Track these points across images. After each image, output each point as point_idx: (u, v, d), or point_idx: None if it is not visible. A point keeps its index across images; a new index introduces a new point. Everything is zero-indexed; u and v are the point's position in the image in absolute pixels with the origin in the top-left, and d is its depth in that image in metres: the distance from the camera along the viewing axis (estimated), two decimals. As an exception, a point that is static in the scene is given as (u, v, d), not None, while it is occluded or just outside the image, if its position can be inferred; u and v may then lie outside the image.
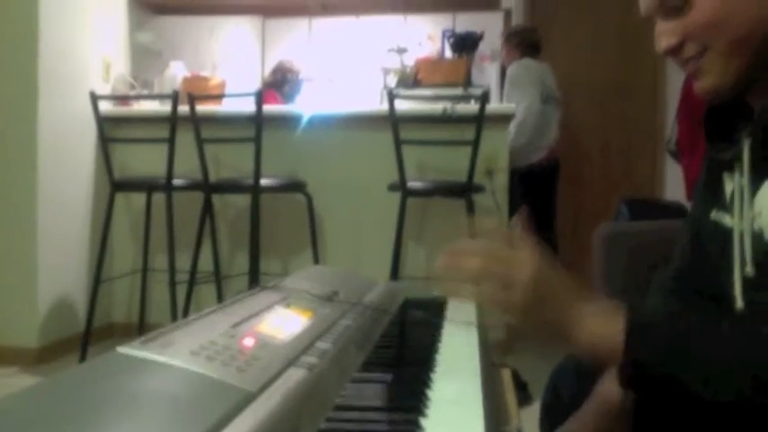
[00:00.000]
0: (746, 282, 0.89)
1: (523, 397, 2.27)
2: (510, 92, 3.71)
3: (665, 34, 0.90)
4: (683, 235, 1.08)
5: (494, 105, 3.39)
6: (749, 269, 0.87)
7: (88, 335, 3.17)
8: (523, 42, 3.87)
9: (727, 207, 0.93)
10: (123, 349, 0.62)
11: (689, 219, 1.08)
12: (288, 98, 3.99)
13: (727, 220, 0.92)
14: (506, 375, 1.06)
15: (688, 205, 2.85)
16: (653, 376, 0.76)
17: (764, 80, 0.87)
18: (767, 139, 0.85)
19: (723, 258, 0.93)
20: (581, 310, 0.80)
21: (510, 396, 0.98)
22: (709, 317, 0.77)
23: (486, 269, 0.81)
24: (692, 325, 0.77)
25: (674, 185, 4.70)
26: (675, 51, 0.90)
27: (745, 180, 0.87)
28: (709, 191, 0.99)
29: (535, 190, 3.71)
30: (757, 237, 0.86)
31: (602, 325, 0.79)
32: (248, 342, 0.71)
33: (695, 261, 1.04)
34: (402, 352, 0.92)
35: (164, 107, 3.33)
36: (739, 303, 0.90)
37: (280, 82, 3.89)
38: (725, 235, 0.92)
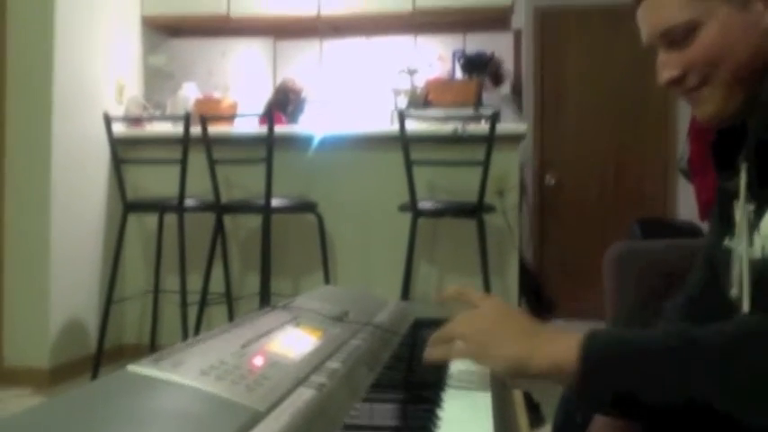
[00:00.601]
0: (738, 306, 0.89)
1: (536, 418, 2.25)
2: None
3: (668, 66, 0.92)
4: (698, 262, 1.08)
5: (504, 126, 3.40)
6: (746, 305, 0.87)
7: (100, 356, 3.17)
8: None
9: (735, 234, 0.93)
10: (134, 368, 0.62)
11: (704, 247, 1.08)
12: (291, 118, 3.99)
13: (734, 245, 0.93)
14: (518, 396, 1.05)
15: (701, 225, 2.84)
16: (607, 391, 0.76)
17: (758, 103, 0.88)
18: (760, 164, 0.86)
19: (729, 284, 0.92)
20: (538, 339, 0.81)
21: (521, 417, 0.97)
22: (671, 335, 0.75)
23: (447, 333, 0.88)
24: (646, 339, 0.76)
25: (686, 205, 4.68)
26: (677, 82, 0.92)
27: (742, 204, 0.88)
28: (721, 219, 0.99)
29: None
30: (757, 263, 0.85)
31: (560, 346, 0.79)
32: (258, 361, 0.71)
33: (708, 289, 1.04)
34: (412, 372, 0.91)
35: (176, 128, 3.36)
36: None
37: (283, 102, 3.89)
38: (733, 260, 0.92)
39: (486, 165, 2.84)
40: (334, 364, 0.79)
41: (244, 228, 3.62)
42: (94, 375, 3.16)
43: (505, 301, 0.89)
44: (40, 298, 3.18)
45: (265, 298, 3.04)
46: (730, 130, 0.95)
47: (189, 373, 0.62)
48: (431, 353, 0.88)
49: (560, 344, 0.79)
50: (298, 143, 3.47)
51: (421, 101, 3.85)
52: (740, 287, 0.89)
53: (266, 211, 3.04)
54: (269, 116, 3.04)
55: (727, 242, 0.97)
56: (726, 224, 0.97)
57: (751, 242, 0.88)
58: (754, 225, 0.87)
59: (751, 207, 0.88)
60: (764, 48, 0.87)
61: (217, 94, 4.07)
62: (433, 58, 4.24)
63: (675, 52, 0.91)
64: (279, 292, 3.19)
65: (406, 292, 2.96)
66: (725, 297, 0.94)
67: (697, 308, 1.06)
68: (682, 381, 0.71)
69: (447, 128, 3.21)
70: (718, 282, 0.99)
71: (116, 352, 3.56)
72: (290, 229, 3.51)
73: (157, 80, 4.22)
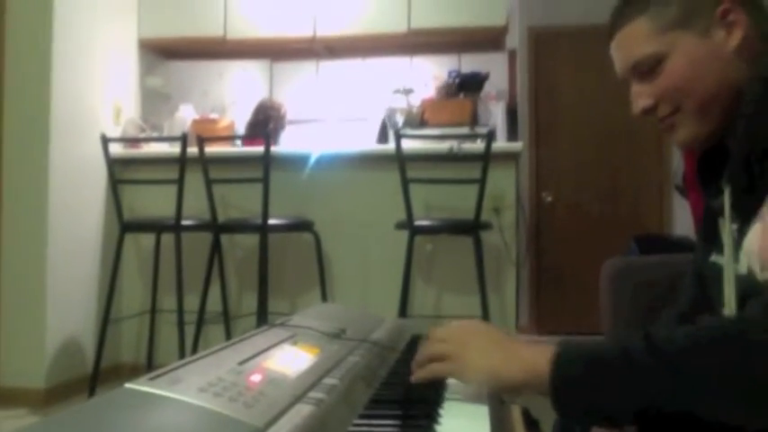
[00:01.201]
0: None
1: (534, 436, 2.24)
2: None
3: (640, 97, 0.97)
4: (688, 279, 1.10)
5: (500, 144, 3.42)
6: (728, 311, 0.88)
7: (96, 375, 3.16)
8: None
9: (722, 250, 0.95)
10: (131, 385, 0.62)
11: (692, 262, 1.10)
12: (273, 136, 3.99)
13: (722, 261, 0.94)
14: (516, 412, 1.05)
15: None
16: (577, 403, 0.77)
17: (738, 123, 0.90)
18: (746, 187, 0.87)
19: (716, 298, 0.94)
20: (512, 351, 0.84)
21: (519, 433, 0.97)
22: (643, 340, 0.76)
23: (427, 353, 0.91)
24: (610, 349, 0.78)
25: (682, 221, 4.70)
26: (650, 111, 0.97)
27: (728, 224, 0.90)
28: (707, 236, 1.02)
29: None
30: (744, 279, 0.87)
31: (532, 357, 0.81)
32: (255, 378, 0.71)
33: (697, 304, 1.05)
34: (410, 388, 0.91)
35: (173, 149, 3.37)
36: None
37: (263, 122, 3.89)
38: (721, 275, 0.93)
39: (482, 182, 2.86)
40: (331, 381, 0.80)
41: (241, 247, 3.62)
42: (91, 395, 3.15)
43: (479, 320, 0.92)
44: (36, 318, 3.17)
45: (263, 317, 3.03)
46: (715, 150, 0.97)
47: (187, 390, 0.62)
48: (416, 375, 0.90)
49: (532, 354, 0.81)
50: (294, 163, 3.48)
51: (417, 120, 3.87)
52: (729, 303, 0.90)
53: (263, 230, 3.05)
54: (266, 136, 3.06)
55: (714, 258, 0.98)
56: (712, 240, 0.99)
57: (736, 258, 0.89)
58: (738, 243, 0.89)
59: (735, 226, 0.90)
60: (730, 73, 0.90)
61: (214, 115, 4.09)
62: (429, 77, 4.27)
63: (646, 84, 0.95)
64: (276, 311, 3.18)
65: (403, 310, 2.96)
66: (715, 312, 0.95)
67: (687, 322, 1.06)
68: (641, 389, 0.73)
69: (443, 146, 3.23)
70: (707, 297, 1.01)
71: (113, 372, 3.54)
72: (287, 248, 3.52)
73: (154, 102, 4.24)
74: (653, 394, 0.73)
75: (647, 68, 0.94)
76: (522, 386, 0.82)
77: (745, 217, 0.88)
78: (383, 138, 3.91)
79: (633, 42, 0.95)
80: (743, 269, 0.88)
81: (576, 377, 0.78)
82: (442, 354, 0.88)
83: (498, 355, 0.84)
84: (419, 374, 0.90)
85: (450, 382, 0.94)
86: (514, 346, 0.85)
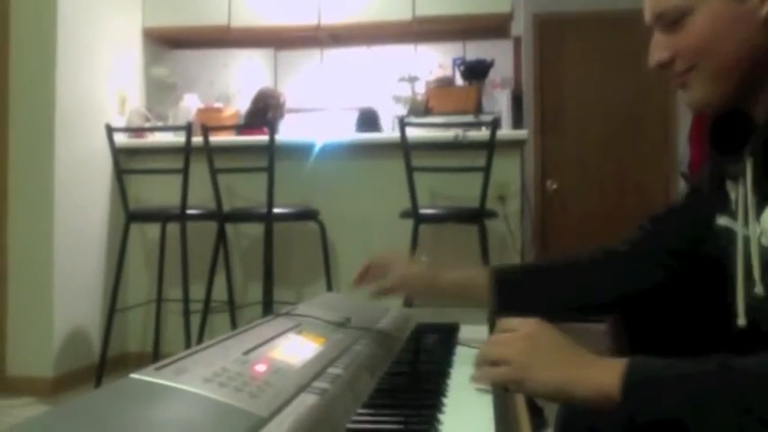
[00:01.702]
0: (752, 299, 0.89)
1: (538, 422, 2.24)
2: None
3: (659, 48, 0.94)
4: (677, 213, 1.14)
5: (505, 132, 3.41)
6: (758, 289, 0.87)
7: (103, 365, 3.18)
8: None
9: (733, 215, 0.94)
10: (137, 375, 0.62)
11: (691, 216, 1.10)
12: (272, 124, 3.99)
13: (736, 227, 0.93)
14: (520, 400, 1.05)
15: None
16: (652, 416, 0.75)
17: (760, 96, 0.88)
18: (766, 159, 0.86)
19: (730, 266, 0.93)
20: (583, 365, 0.81)
21: (524, 421, 0.97)
22: (711, 362, 0.75)
23: (489, 354, 0.87)
24: (687, 365, 0.76)
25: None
26: (666, 66, 0.93)
27: (750, 196, 0.88)
28: (713, 197, 1.01)
29: None
30: (766, 252, 0.86)
31: (605, 372, 0.78)
32: (260, 368, 0.71)
33: (697, 269, 1.07)
34: (414, 377, 0.92)
35: (178, 138, 3.37)
36: (742, 320, 0.91)
37: (263, 110, 3.89)
38: (734, 241, 0.93)
39: (487, 171, 2.85)
40: (336, 370, 0.80)
41: (246, 236, 3.63)
42: (98, 384, 3.17)
43: (543, 323, 0.87)
44: (43, 307, 3.19)
45: (268, 306, 3.04)
46: (731, 115, 0.96)
47: (192, 380, 0.62)
48: (476, 378, 0.88)
49: (604, 369, 0.79)
50: (299, 152, 3.48)
51: (422, 108, 3.86)
52: (748, 270, 0.89)
53: (268, 219, 3.05)
54: (270, 125, 3.06)
55: (723, 221, 0.98)
56: (718, 202, 0.99)
57: (755, 230, 0.89)
58: (757, 215, 0.88)
59: (755, 199, 0.88)
60: (756, 42, 0.87)
61: (218, 105, 4.08)
62: (434, 65, 4.26)
63: (668, 35, 0.92)
64: (282, 300, 3.19)
65: (408, 299, 2.96)
66: (718, 277, 0.95)
67: (672, 217, 1.14)
68: (724, 405, 0.72)
69: (448, 134, 3.22)
70: (708, 260, 1.03)
71: (119, 361, 3.56)
72: (293, 238, 3.52)
73: (159, 92, 4.24)
74: (737, 409, 0.71)
75: (670, 20, 0.91)
76: (591, 402, 0.79)
77: (765, 191, 0.86)
78: (365, 126, 3.88)
79: None
80: (763, 241, 0.87)
81: (653, 390, 0.75)
82: (504, 359, 0.85)
83: (566, 371, 0.81)
84: (478, 378, 0.87)
85: (456, 371, 0.95)
86: (581, 360, 0.82)
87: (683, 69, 0.92)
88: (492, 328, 1.13)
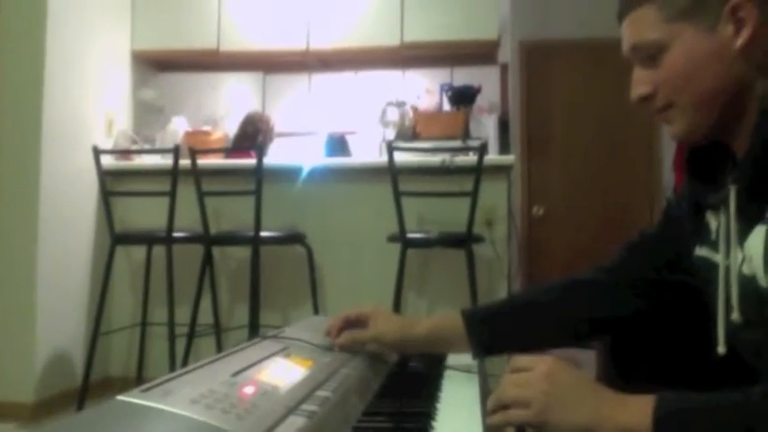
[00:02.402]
0: (731, 327, 0.90)
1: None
2: None
3: (639, 83, 0.95)
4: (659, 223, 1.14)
5: (492, 157, 3.43)
6: (735, 315, 0.88)
7: (86, 389, 3.13)
8: None
9: (713, 245, 0.95)
10: (123, 397, 0.62)
11: (666, 244, 1.11)
12: (262, 148, 3.99)
13: (716, 258, 0.94)
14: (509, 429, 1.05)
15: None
16: None
17: (740, 127, 0.90)
18: (753, 188, 0.86)
19: (710, 294, 0.94)
20: (606, 405, 0.79)
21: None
22: (735, 393, 0.75)
23: (506, 397, 0.84)
24: (721, 404, 0.76)
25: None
26: (647, 99, 0.95)
27: (732, 223, 0.89)
28: (692, 226, 1.01)
29: None
30: (747, 281, 0.87)
31: (630, 412, 0.77)
32: (248, 390, 0.71)
33: (672, 296, 1.08)
34: (403, 400, 0.91)
35: (165, 161, 3.36)
36: (721, 348, 0.91)
37: (252, 135, 3.89)
38: (714, 272, 0.93)
39: (474, 195, 2.87)
40: (324, 393, 0.79)
41: (232, 259, 3.61)
42: (80, 408, 3.11)
43: (559, 361, 0.85)
44: (25, 330, 3.15)
45: (254, 329, 3.02)
46: (708, 146, 0.97)
47: (179, 401, 0.62)
48: (492, 419, 0.84)
49: (630, 409, 0.77)
50: (287, 175, 3.48)
51: (409, 133, 3.88)
52: (727, 297, 0.90)
53: (255, 242, 3.04)
54: (259, 149, 3.06)
55: (701, 252, 0.99)
56: (697, 232, 1.00)
57: (728, 256, 0.89)
58: (738, 243, 0.89)
59: (738, 226, 0.89)
60: (733, 72, 0.87)
61: (206, 128, 4.08)
62: (421, 90, 4.29)
63: (647, 70, 0.93)
64: (268, 324, 3.17)
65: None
66: (710, 307, 0.95)
67: (647, 244, 1.14)
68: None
69: (435, 159, 3.24)
70: (673, 237, 1.06)
71: (102, 385, 3.51)
72: (279, 261, 3.51)
73: (147, 114, 4.24)
74: None
75: (647, 55, 0.92)
76: None
77: (748, 218, 0.87)
78: (333, 151, 3.87)
79: (639, 27, 0.92)
80: (745, 270, 0.87)
81: (685, 426, 0.74)
82: (523, 400, 0.82)
83: (591, 411, 0.78)
84: (494, 420, 0.84)
85: (444, 394, 0.94)
86: (605, 401, 0.80)
87: (662, 105, 0.93)
88: (480, 368, 1.13)
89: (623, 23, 0.96)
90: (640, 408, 0.76)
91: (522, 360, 0.86)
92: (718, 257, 0.92)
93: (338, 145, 3.91)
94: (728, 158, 0.95)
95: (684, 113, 0.91)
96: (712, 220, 0.95)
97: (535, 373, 0.83)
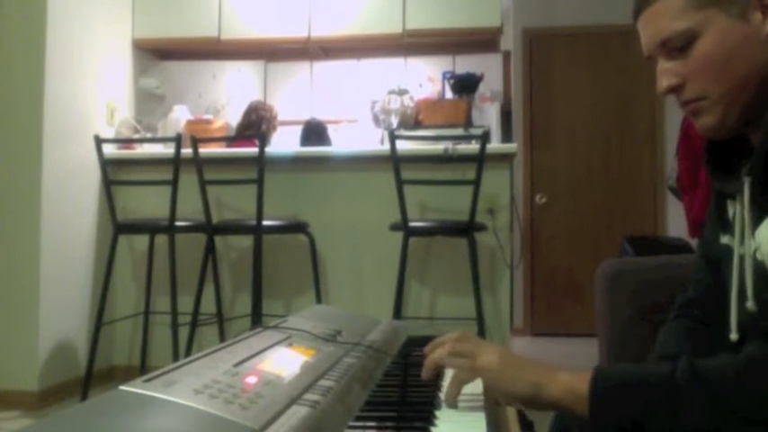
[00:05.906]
0: (744, 315, 0.90)
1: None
2: None
3: (667, 74, 0.92)
4: (696, 263, 1.11)
5: (494, 145, 3.42)
6: (750, 304, 0.88)
7: (89, 378, 3.14)
8: None
9: (734, 234, 0.95)
10: (126, 387, 0.62)
11: (701, 245, 1.11)
12: (265, 138, 3.99)
13: (734, 243, 0.94)
14: (511, 414, 1.05)
15: (690, 241, 2.85)
16: (616, 419, 0.78)
17: (761, 119, 0.89)
18: (766, 180, 0.86)
19: (726, 282, 0.95)
20: (553, 369, 0.84)
21: (515, 435, 0.97)
22: (668, 366, 0.78)
23: (455, 347, 0.90)
24: (652, 374, 0.79)
25: (675, 223, 4.71)
26: (676, 90, 0.92)
27: (746, 212, 0.89)
28: (717, 217, 1.02)
29: None
30: (759, 268, 0.87)
31: (573, 375, 0.82)
32: (251, 380, 0.71)
33: (708, 290, 1.07)
34: (405, 390, 0.91)
35: (167, 150, 3.36)
36: (734, 335, 0.91)
37: (256, 123, 3.88)
38: (731, 258, 0.94)
39: (476, 184, 2.86)
40: (327, 383, 0.79)
41: (235, 248, 3.61)
42: (84, 398, 3.13)
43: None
44: (29, 320, 3.16)
45: (257, 318, 3.02)
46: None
47: (182, 392, 0.62)
48: (435, 356, 0.90)
49: (571, 375, 0.82)
50: (289, 164, 3.47)
51: (411, 121, 3.87)
52: (741, 285, 0.90)
53: (257, 231, 3.04)
54: (261, 137, 3.05)
55: (725, 239, 0.99)
56: (721, 222, 1.00)
57: (750, 246, 0.90)
58: (752, 231, 0.89)
59: (752, 215, 0.89)
60: (762, 60, 0.86)
61: (208, 116, 4.07)
62: (423, 78, 4.28)
63: (675, 61, 0.91)
64: (270, 313, 3.17)
65: (398, 311, 2.96)
66: (726, 294, 0.95)
67: (696, 305, 1.09)
68: (684, 411, 0.74)
69: (437, 147, 3.23)
70: (718, 281, 1.02)
71: (106, 374, 3.53)
72: (282, 250, 3.51)
73: (148, 103, 4.23)
74: (693, 417, 0.73)
75: (677, 46, 0.89)
76: (558, 403, 0.82)
77: (761, 209, 0.87)
78: (310, 140, 3.86)
79: (665, 17, 0.89)
80: (759, 256, 0.88)
81: (617, 394, 0.78)
82: (465, 352, 0.88)
83: (539, 372, 0.84)
84: (435, 357, 0.91)
85: (444, 384, 0.94)
86: (554, 365, 0.85)
87: (693, 97, 0.91)
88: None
89: (641, 20, 0.94)
90: (582, 373, 0.81)
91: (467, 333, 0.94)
92: (735, 244, 0.93)
93: (314, 133, 3.89)
94: (746, 149, 0.94)
95: (717, 105, 0.89)
96: (731, 208, 0.95)
97: (484, 341, 0.90)
